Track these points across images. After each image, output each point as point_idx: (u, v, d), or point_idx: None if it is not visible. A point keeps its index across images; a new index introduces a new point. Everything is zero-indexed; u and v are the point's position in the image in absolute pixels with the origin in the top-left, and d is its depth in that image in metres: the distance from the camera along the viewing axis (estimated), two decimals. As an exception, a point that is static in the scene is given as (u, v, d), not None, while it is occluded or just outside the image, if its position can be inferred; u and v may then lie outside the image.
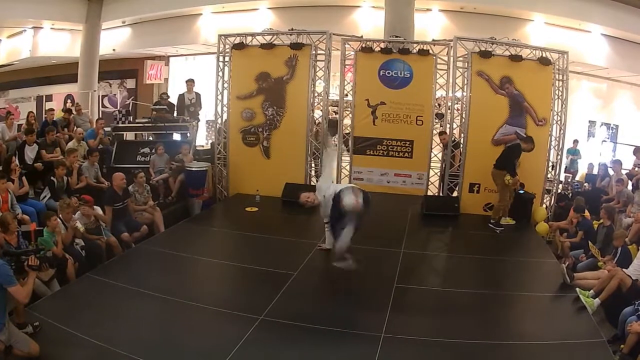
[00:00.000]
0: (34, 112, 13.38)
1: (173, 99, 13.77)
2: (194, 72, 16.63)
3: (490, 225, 9.62)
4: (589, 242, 8.68)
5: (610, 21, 14.84)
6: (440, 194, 11.59)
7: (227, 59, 11.75)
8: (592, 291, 6.56)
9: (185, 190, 11.06)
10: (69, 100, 19.59)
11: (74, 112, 13.00)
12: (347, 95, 12.39)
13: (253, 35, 11.77)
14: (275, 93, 11.55)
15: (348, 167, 12.09)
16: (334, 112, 15.19)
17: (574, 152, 15.56)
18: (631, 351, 5.66)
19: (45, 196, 8.89)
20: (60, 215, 7.37)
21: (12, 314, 5.01)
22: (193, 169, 11.14)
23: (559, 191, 11.82)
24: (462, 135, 10.90)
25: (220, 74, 11.78)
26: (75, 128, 12.00)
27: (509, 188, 9.70)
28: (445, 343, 5.37)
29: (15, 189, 8.24)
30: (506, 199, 9.73)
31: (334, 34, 11.67)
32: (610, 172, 12.17)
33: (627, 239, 8.04)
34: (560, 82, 10.71)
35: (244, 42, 11.61)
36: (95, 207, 8.16)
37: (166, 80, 21.27)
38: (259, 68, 11.57)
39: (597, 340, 5.43)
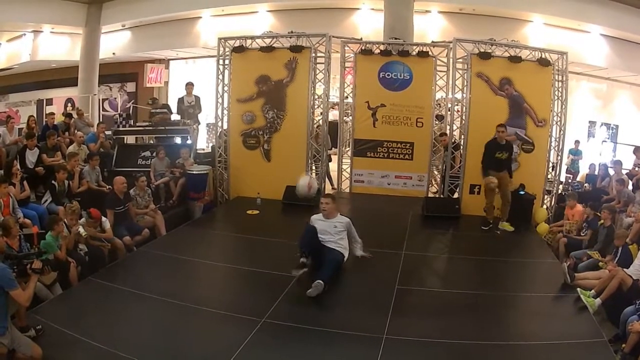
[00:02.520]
0: (35, 116, 13.40)
1: (169, 102, 13.79)
2: (194, 75, 16.67)
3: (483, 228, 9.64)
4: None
5: (610, 21, 14.85)
6: (441, 196, 11.61)
7: (227, 62, 11.76)
8: (593, 291, 6.56)
9: (186, 194, 11.07)
10: (69, 104, 19.61)
11: (74, 116, 13.01)
12: (347, 97, 12.41)
13: (253, 38, 11.78)
14: (276, 96, 11.56)
15: (349, 170, 12.12)
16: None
17: (575, 153, 15.57)
18: (632, 350, 5.67)
19: (46, 200, 8.88)
20: (65, 220, 7.39)
21: (14, 318, 5.02)
22: (194, 172, 11.16)
23: (560, 192, 11.82)
24: (463, 136, 10.92)
25: (221, 77, 11.79)
26: (75, 132, 12.01)
27: (488, 187, 9.60)
28: (447, 344, 5.37)
29: (17, 193, 8.23)
30: (489, 199, 9.68)
31: (333, 37, 11.68)
32: (611, 172, 12.17)
33: (628, 239, 8.04)
34: (560, 83, 10.74)
35: (244, 45, 11.62)
36: (103, 218, 8.18)
37: (166, 83, 21.30)
38: (259, 71, 11.58)
39: (598, 340, 5.44)
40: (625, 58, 15.82)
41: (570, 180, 14.39)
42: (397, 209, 10.86)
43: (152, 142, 13.26)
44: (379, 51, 11.68)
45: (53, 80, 21.41)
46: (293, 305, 6.18)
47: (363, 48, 11.81)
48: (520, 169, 10.66)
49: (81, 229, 7.53)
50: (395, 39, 11.88)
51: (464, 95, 10.90)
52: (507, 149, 9.47)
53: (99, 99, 19.61)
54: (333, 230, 7.02)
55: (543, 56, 10.63)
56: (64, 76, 20.54)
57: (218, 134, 12.35)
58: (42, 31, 19.02)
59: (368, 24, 15.75)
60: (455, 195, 11.13)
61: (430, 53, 11.52)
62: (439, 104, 13.31)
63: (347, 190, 12.20)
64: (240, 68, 11.74)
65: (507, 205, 9.76)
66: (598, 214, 9.50)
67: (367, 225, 9.47)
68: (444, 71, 11.47)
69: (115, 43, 19.33)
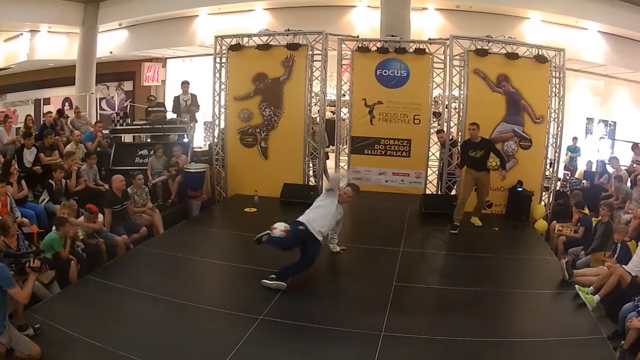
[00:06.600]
0: (32, 115, 13.38)
1: (166, 100, 13.76)
2: (191, 74, 16.63)
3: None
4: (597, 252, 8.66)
5: (607, 18, 14.84)
6: (439, 193, 11.61)
7: (224, 60, 11.74)
8: (591, 288, 6.57)
9: (183, 192, 11.08)
10: (66, 103, 19.58)
11: (66, 114, 13.00)
12: (344, 95, 12.39)
13: (249, 36, 11.76)
14: (273, 94, 11.54)
15: (346, 167, 12.11)
16: (332, 112, 15.22)
17: (574, 150, 15.58)
18: (631, 347, 5.67)
19: (44, 199, 8.89)
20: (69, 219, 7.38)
21: (13, 317, 5.02)
22: (191, 170, 11.15)
23: (558, 188, 11.82)
24: (460, 133, 10.91)
25: (217, 75, 11.78)
26: (73, 130, 12.00)
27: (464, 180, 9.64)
28: (445, 341, 5.37)
29: (15, 193, 8.25)
30: (464, 194, 9.56)
31: (330, 34, 11.66)
32: (609, 169, 12.17)
33: (627, 235, 8.04)
34: (557, 80, 10.73)
35: (241, 43, 11.60)
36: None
37: (163, 82, 21.27)
38: (255, 69, 11.57)
39: (597, 337, 5.45)
40: (623, 55, 15.82)
41: (568, 177, 14.40)
42: (394, 206, 10.85)
43: (149, 140, 13.24)
44: (375, 48, 11.66)
45: (50, 79, 21.33)
46: (291, 303, 6.18)
47: (360, 45, 11.78)
48: (517, 166, 10.68)
49: (79, 231, 7.53)
50: (392, 36, 11.86)
51: (461, 92, 10.90)
52: (480, 147, 9.24)
53: (97, 98, 19.58)
54: (337, 214, 7.06)
55: (540, 53, 10.62)
56: (61, 75, 20.48)
57: (215, 132, 12.33)
58: (39, 31, 18.95)
59: (365, 21, 15.74)
60: (453, 192, 11.11)
61: (427, 50, 11.50)
62: (436, 101, 13.30)
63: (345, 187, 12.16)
64: (237, 66, 11.72)
65: (481, 206, 9.82)
66: (583, 210, 9.55)
67: (365, 222, 9.53)
68: (441, 68, 11.47)
69: (112, 42, 19.29)
